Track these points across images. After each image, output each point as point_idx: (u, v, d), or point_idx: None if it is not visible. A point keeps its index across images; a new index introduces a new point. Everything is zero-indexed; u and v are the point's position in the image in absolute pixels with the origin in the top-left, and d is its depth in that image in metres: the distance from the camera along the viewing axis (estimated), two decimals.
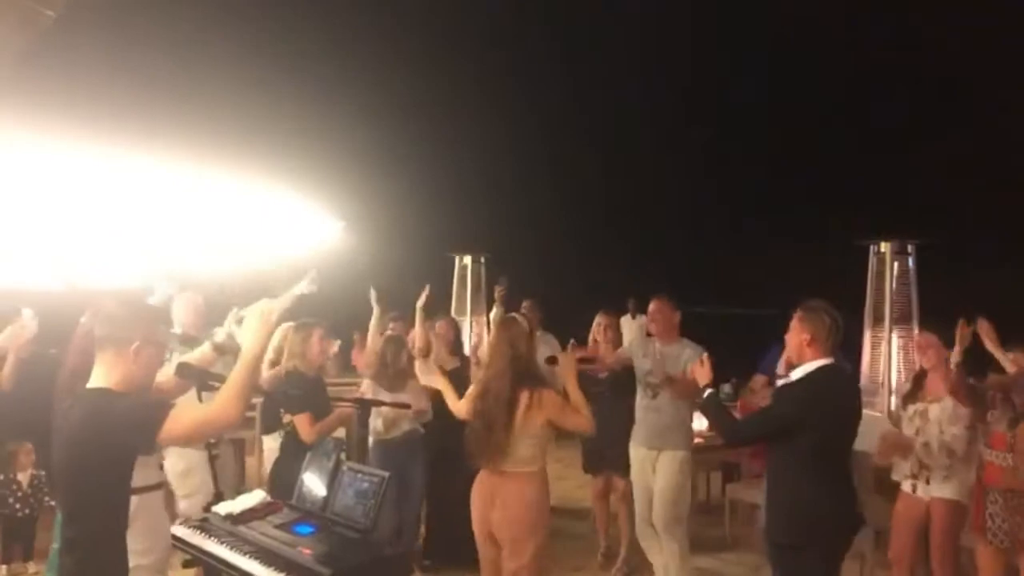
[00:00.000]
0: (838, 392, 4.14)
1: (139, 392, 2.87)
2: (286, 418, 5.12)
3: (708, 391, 4.29)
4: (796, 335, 4.14)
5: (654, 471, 5.79)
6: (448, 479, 6.01)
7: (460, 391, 4.87)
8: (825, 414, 3.99)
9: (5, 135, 3.37)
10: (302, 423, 4.96)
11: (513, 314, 4.84)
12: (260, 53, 10.51)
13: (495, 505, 4.35)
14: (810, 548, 4.06)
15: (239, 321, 3.74)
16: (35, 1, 2.88)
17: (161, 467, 4.51)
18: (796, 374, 4.13)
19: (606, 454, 6.54)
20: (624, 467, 6.30)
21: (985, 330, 5.06)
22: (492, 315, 8.40)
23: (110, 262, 5.59)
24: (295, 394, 5.07)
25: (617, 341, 6.71)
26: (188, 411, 2.79)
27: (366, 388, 6.07)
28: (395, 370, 6.09)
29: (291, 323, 6.07)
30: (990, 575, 4.88)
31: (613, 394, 6.30)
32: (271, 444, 5.94)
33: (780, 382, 4.29)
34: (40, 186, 3.86)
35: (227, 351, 3.81)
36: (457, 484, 5.26)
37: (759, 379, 5.65)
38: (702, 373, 4.37)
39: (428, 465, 6.25)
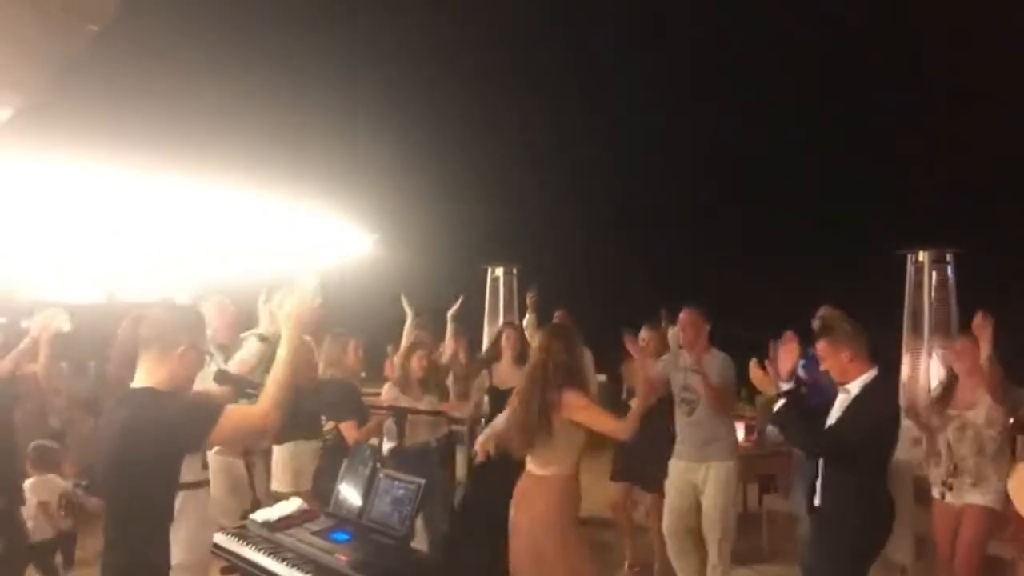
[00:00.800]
0: (896, 402, 4.29)
1: (182, 392, 2.94)
2: (328, 425, 5.18)
3: (779, 404, 4.18)
4: (834, 357, 4.18)
5: (702, 485, 5.73)
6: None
7: None
8: (895, 426, 4.11)
9: (46, 151, 3.46)
10: (349, 429, 5.15)
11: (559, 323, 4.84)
12: (297, 69, 10.66)
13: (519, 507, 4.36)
14: (857, 557, 4.10)
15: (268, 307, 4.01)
16: (79, 15, 2.96)
17: (205, 465, 4.53)
18: (854, 388, 4.15)
19: (631, 465, 6.53)
20: (648, 481, 6.27)
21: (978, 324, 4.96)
22: (526, 321, 8.41)
23: (151, 274, 5.69)
24: (336, 401, 5.18)
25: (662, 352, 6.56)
26: (232, 413, 2.90)
27: (386, 394, 6.09)
28: (419, 376, 6.12)
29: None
30: None
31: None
32: (281, 454, 5.97)
33: (840, 398, 4.25)
34: (79, 200, 3.95)
35: (273, 340, 3.88)
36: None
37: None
38: (760, 376, 4.30)
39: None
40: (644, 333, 6.59)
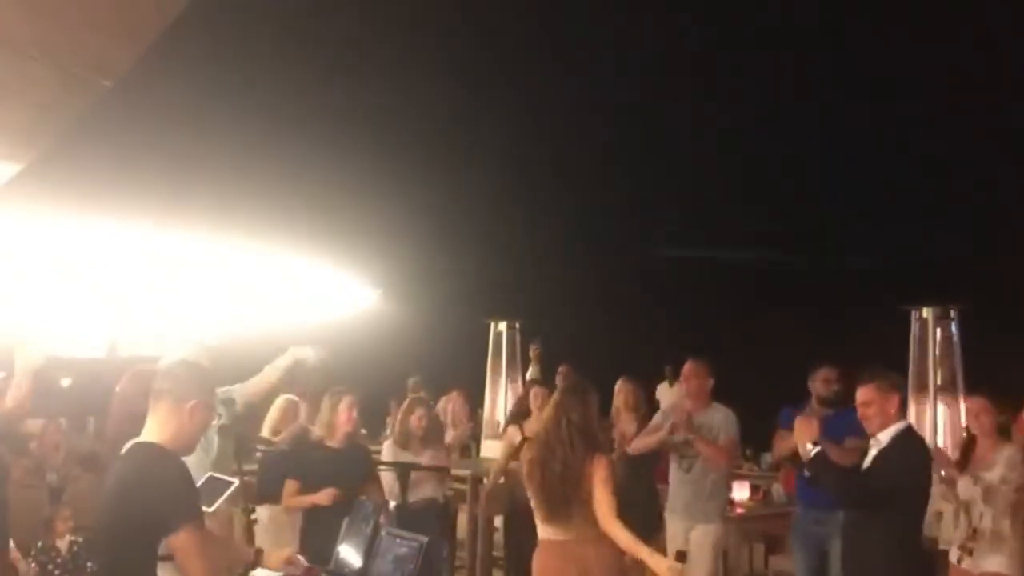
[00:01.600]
0: (927, 453, 4.30)
1: (185, 450, 2.92)
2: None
3: (815, 450, 4.20)
4: (881, 404, 4.17)
5: (687, 542, 5.67)
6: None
7: None
8: (927, 476, 4.15)
9: (53, 204, 3.48)
10: (288, 489, 5.17)
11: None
12: (296, 122, 10.77)
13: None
14: None
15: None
16: (96, 70, 3.00)
17: None
18: (884, 438, 4.16)
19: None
20: (644, 530, 6.22)
21: None
22: (529, 375, 8.38)
23: (150, 329, 5.67)
24: (299, 461, 5.21)
25: (638, 408, 6.52)
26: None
27: (386, 452, 6.05)
28: (419, 434, 6.07)
29: (288, 395, 6.18)
30: None
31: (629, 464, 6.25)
32: (263, 514, 5.93)
33: (873, 449, 4.24)
34: (84, 253, 3.96)
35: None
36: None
37: (786, 434, 5.53)
38: (810, 427, 4.31)
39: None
40: (620, 385, 6.57)
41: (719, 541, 5.67)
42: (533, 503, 4.30)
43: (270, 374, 5.30)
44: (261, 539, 5.90)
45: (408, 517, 5.75)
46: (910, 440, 4.19)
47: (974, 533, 4.92)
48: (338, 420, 5.27)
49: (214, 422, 3.84)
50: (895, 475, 4.05)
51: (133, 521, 2.74)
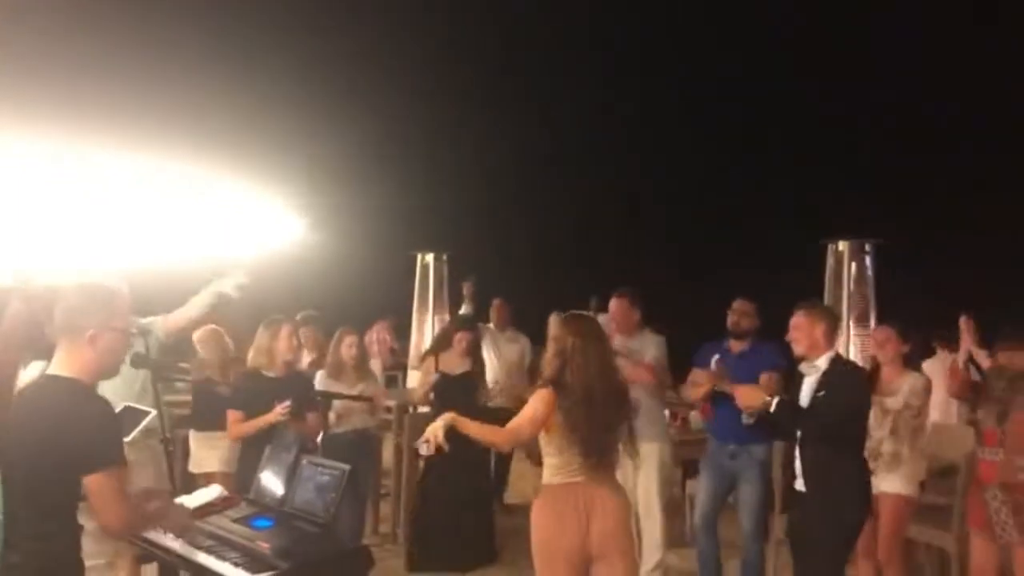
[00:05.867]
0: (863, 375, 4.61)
1: (106, 375, 2.85)
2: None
3: (776, 400, 4.40)
4: (811, 328, 4.44)
5: (635, 467, 5.84)
6: (446, 484, 6.22)
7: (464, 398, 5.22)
8: (868, 399, 4.46)
9: None
10: (229, 418, 5.14)
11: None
12: (224, 44, 10.37)
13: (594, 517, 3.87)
14: (842, 540, 4.37)
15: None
16: None
17: None
18: (821, 364, 4.41)
19: None
20: None
21: (969, 327, 5.17)
22: (462, 312, 8.38)
23: (59, 255, 5.47)
24: (239, 393, 5.18)
25: None
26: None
27: (319, 381, 6.05)
28: (349, 363, 6.08)
29: (212, 325, 6.12)
30: (986, 570, 4.96)
31: None
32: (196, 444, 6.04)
33: (807, 376, 4.45)
34: None
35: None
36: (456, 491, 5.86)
37: (699, 373, 5.73)
38: (754, 392, 4.54)
39: (428, 468, 6.35)
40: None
41: (661, 457, 5.88)
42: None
43: (190, 309, 5.23)
44: (198, 456, 6.01)
45: (335, 447, 5.79)
46: (847, 363, 4.52)
47: (877, 455, 5.15)
48: (277, 348, 5.23)
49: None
50: (842, 401, 4.30)
51: (53, 459, 2.64)
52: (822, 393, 4.35)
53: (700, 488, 5.86)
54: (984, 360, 5.22)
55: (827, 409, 4.29)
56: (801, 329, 4.48)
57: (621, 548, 3.89)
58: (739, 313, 5.72)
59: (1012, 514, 4.76)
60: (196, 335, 6.29)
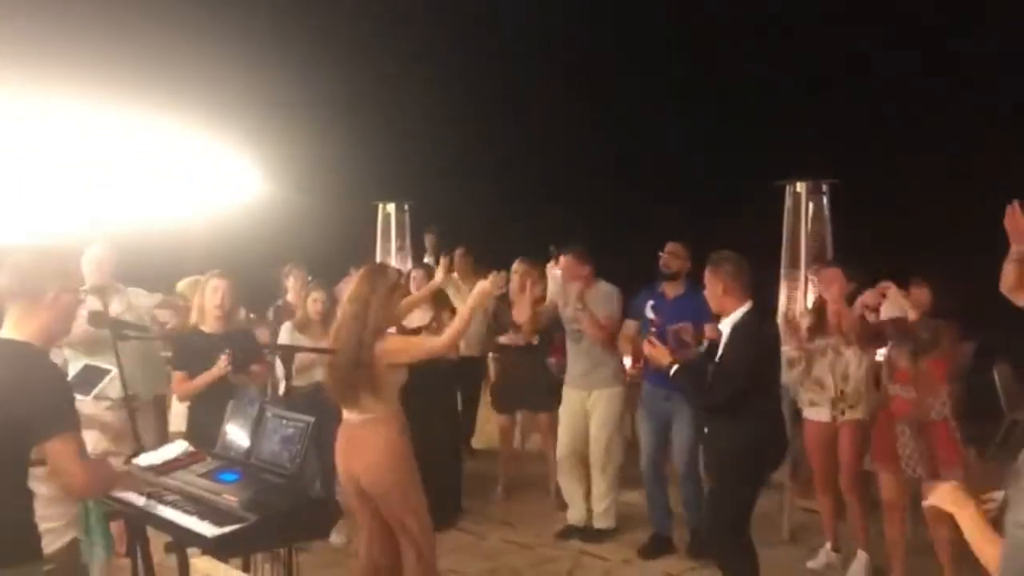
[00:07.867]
0: (765, 332, 4.55)
1: (59, 338, 2.85)
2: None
3: (675, 367, 4.52)
4: (711, 289, 4.48)
5: (590, 410, 5.99)
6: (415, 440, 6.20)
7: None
8: (760, 356, 4.38)
9: None
10: (175, 379, 5.13)
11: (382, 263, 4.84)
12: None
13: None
14: (743, 481, 4.44)
15: None
16: None
17: None
18: (724, 326, 4.45)
19: (517, 393, 6.81)
20: (543, 404, 6.56)
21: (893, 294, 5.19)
22: (425, 262, 8.37)
23: (17, 212, 5.38)
24: (181, 355, 5.20)
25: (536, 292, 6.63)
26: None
27: (283, 335, 6.05)
28: (316, 317, 6.07)
29: (194, 277, 6.10)
30: (897, 504, 5.15)
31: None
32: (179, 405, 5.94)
33: (724, 333, 4.49)
34: None
35: None
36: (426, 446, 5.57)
37: (630, 324, 5.90)
38: (660, 352, 4.62)
39: None
40: (517, 266, 6.70)
41: (618, 401, 6.07)
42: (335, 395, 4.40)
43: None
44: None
45: (297, 400, 5.80)
46: (747, 325, 4.39)
47: (842, 395, 5.41)
48: (206, 305, 5.19)
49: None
50: (741, 370, 4.33)
51: (4, 424, 2.62)
52: (718, 360, 4.41)
53: (641, 432, 6.01)
54: (912, 312, 5.16)
55: (719, 383, 4.37)
56: (708, 288, 4.53)
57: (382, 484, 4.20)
58: (669, 254, 5.80)
59: (920, 451, 4.92)
60: (179, 285, 6.35)
